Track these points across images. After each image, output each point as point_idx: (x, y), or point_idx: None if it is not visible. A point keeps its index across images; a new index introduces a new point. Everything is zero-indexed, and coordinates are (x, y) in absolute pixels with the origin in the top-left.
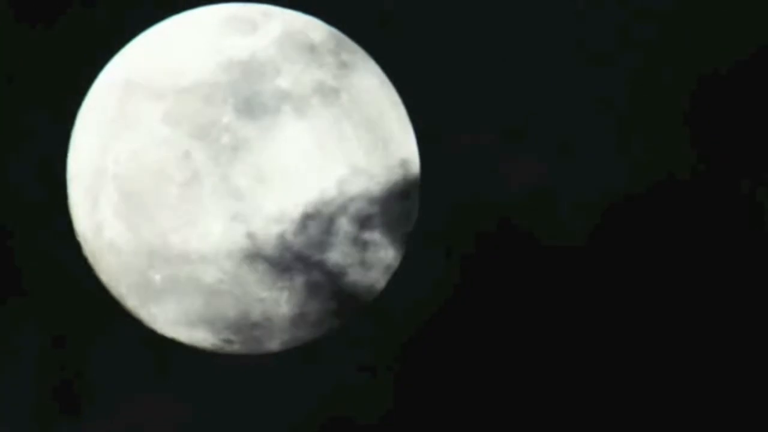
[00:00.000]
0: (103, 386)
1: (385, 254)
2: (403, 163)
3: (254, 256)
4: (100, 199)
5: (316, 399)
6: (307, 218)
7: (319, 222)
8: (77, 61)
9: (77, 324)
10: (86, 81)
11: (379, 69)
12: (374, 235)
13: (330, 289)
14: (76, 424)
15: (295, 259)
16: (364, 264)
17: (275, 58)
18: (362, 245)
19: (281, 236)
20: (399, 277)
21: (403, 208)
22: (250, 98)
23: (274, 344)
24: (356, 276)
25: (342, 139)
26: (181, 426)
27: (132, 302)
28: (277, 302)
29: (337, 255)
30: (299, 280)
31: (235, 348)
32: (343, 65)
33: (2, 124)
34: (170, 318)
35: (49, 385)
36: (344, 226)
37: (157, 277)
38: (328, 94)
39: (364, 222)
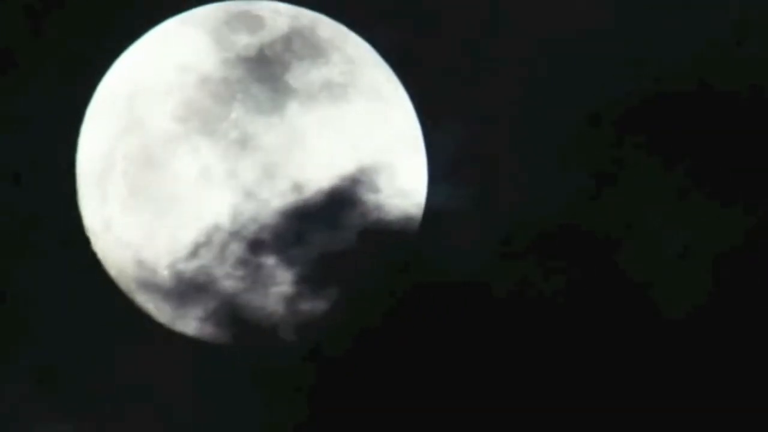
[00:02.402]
0: (112, 378)
1: (281, 279)
2: (296, 188)
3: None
4: (109, 194)
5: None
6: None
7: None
8: (86, 58)
9: (85, 318)
10: (95, 78)
11: (385, 64)
12: (268, 260)
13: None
14: (97, 411)
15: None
16: (257, 288)
17: (283, 54)
18: (255, 269)
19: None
20: (303, 304)
21: (298, 231)
22: (257, 94)
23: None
24: (252, 299)
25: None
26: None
27: (140, 297)
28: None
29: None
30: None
31: (244, 343)
32: (350, 61)
33: (12, 121)
34: (178, 312)
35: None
36: (236, 251)
37: (165, 272)
38: (335, 90)
39: (255, 247)
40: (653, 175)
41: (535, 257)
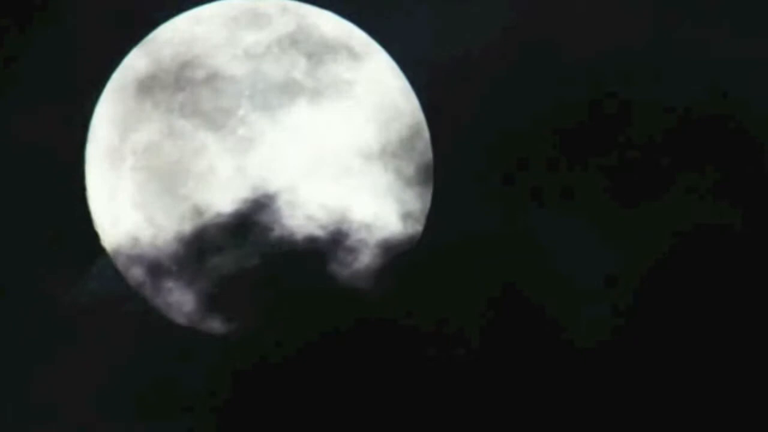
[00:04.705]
0: (117, 372)
1: (184, 299)
2: (196, 210)
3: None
4: (117, 189)
5: None
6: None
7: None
8: (95, 54)
9: (93, 313)
10: (105, 73)
11: (392, 61)
12: (169, 283)
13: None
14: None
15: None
16: (164, 307)
17: (289, 51)
18: (159, 290)
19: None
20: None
21: (200, 252)
22: (265, 91)
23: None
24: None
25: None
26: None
27: (149, 291)
28: None
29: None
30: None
31: (251, 338)
32: (357, 58)
33: (22, 116)
34: (186, 307)
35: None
36: (139, 274)
37: (174, 268)
38: (341, 86)
39: (156, 270)
40: (571, 194)
41: (446, 285)
